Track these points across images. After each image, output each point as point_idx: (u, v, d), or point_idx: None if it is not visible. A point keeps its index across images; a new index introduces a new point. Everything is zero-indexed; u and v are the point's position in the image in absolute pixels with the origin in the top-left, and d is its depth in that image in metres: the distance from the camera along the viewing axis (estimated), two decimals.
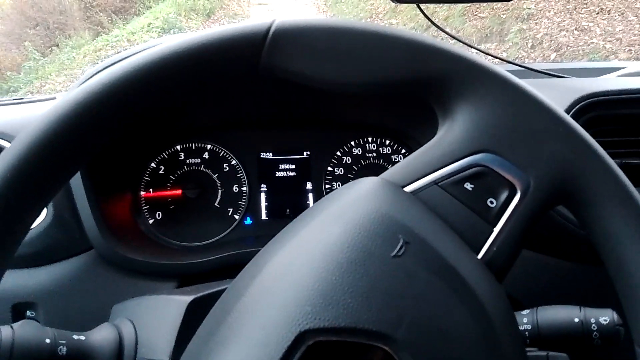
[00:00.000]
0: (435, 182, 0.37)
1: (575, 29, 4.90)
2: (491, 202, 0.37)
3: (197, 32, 0.38)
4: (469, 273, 0.34)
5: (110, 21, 7.15)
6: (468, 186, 0.37)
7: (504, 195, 0.37)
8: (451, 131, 0.38)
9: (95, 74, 0.67)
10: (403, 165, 0.38)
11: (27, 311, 0.62)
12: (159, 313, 0.50)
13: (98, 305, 0.61)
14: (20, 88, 5.04)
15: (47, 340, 0.45)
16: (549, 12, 5.25)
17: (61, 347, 0.45)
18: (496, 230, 0.36)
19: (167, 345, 0.47)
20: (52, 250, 0.62)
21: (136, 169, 0.74)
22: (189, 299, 0.49)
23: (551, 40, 4.79)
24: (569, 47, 4.63)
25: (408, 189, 0.37)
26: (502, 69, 0.37)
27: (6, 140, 0.62)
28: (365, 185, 0.37)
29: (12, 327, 0.45)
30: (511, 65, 0.84)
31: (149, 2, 7.87)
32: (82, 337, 0.48)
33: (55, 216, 0.61)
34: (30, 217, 0.34)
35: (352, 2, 8.11)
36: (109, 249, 0.61)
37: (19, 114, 0.67)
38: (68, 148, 0.34)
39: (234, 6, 8.73)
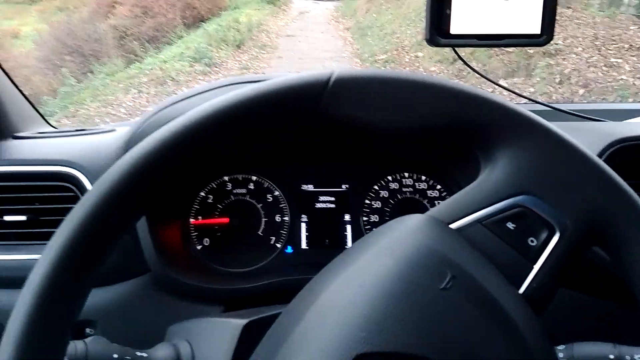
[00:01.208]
0: (479, 221, 0.40)
1: (604, 65, 4.89)
2: (532, 241, 0.40)
3: (264, 83, 0.42)
4: (511, 307, 0.37)
5: (143, 49, 7.36)
6: (510, 225, 0.40)
7: (543, 235, 0.40)
8: (493, 174, 0.42)
9: (168, 105, 0.72)
10: (449, 203, 0.42)
11: (87, 329, 0.67)
12: (215, 335, 0.53)
13: (151, 325, 0.65)
14: (56, 112, 5.19)
15: (115, 356, 0.49)
16: (577, 47, 5.25)
17: None
18: (536, 267, 0.39)
19: None
20: (112, 272, 0.67)
21: (187, 198, 0.79)
22: (244, 322, 0.52)
23: (579, 76, 4.78)
24: (597, 83, 4.61)
25: (453, 226, 0.40)
26: (541, 118, 0.41)
27: (78, 170, 0.68)
28: (414, 221, 0.40)
29: (84, 342, 0.49)
30: (539, 105, 0.87)
31: (181, 32, 8.13)
32: (145, 355, 0.51)
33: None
34: (114, 244, 0.38)
35: (379, 35, 8.23)
36: (164, 271, 0.66)
37: (84, 145, 0.73)
38: (145, 188, 0.38)
39: (263, 37, 8.95)
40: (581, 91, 4.56)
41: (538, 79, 4.95)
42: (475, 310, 0.36)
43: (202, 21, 8.92)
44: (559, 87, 4.73)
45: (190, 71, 6.54)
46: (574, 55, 5.13)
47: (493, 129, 0.41)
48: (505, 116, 0.41)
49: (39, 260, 0.34)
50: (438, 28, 0.69)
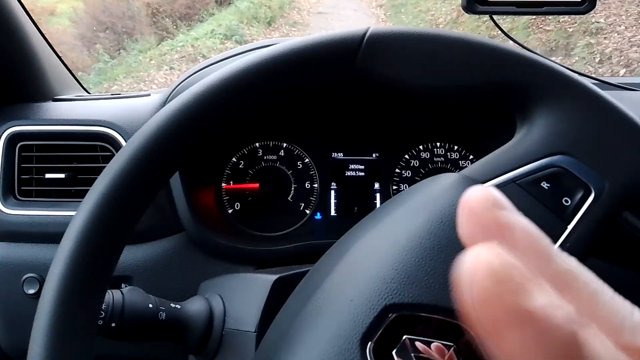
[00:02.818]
0: (513, 180, 0.40)
1: None
2: (566, 201, 0.39)
3: (299, 38, 0.42)
4: None
5: (175, 27, 7.40)
6: (544, 185, 0.40)
7: (578, 196, 0.39)
8: (530, 134, 0.41)
9: (201, 69, 0.73)
10: (483, 163, 0.41)
11: (122, 284, 0.69)
12: (246, 289, 0.55)
13: (185, 281, 0.67)
14: (90, 88, 5.29)
15: (150, 305, 0.51)
16: (620, 26, 5.04)
17: (161, 312, 0.51)
18: (570, 227, 0.39)
19: (253, 317, 0.51)
20: (148, 231, 0.69)
21: (220, 163, 0.80)
22: (274, 277, 0.53)
23: (621, 56, 4.59)
24: (639, 63, 4.43)
25: (487, 185, 0.40)
26: (581, 78, 0.40)
27: (115, 130, 0.70)
28: (448, 180, 0.40)
29: (122, 292, 0.51)
30: (585, 78, 0.84)
31: (212, 10, 8.12)
32: (178, 306, 0.53)
33: (154, 202, 0.68)
34: (149, 198, 0.39)
35: (413, 13, 8.07)
36: (198, 231, 0.68)
37: (120, 107, 0.75)
38: (179, 143, 0.38)
39: (294, 15, 8.88)
40: (622, 71, 4.39)
41: (577, 58, 4.79)
42: None
43: None
44: (599, 67, 4.57)
45: (222, 48, 6.55)
46: (615, 34, 4.92)
47: (531, 88, 0.41)
48: (544, 75, 0.40)
49: (76, 213, 0.35)
50: None
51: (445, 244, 0.36)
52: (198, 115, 0.39)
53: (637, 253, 0.50)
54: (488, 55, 0.40)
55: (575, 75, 0.40)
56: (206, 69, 0.73)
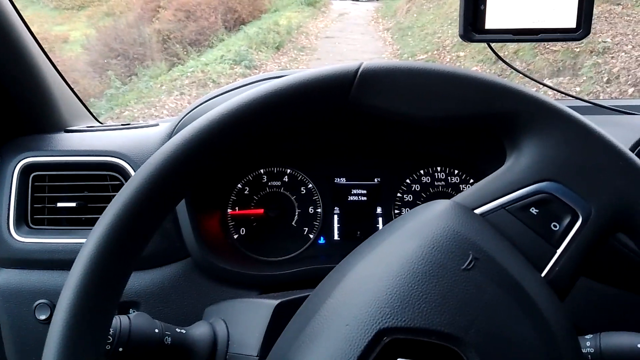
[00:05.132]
0: (502, 207, 0.41)
1: None
2: (554, 226, 0.40)
3: (296, 74, 0.44)
4: (533, 289, 0.37)
5: (185, 52, 7.53)
6: (533, 211, 0.41)
7: (566, 220, 0.40)
8: (518, 161, 0.42)
9: (208, 100, 0.76)
10: (473, 190, 0.43)
11: (130, 309, 0.71)
12: (248, 314, 0.56)
13: (190, 306, 0.68)
14: (102, 114, 5.32)
15: (156, 330, 0.52)
16: (627, 45, 5.05)
17: (167, 337, 0.52)
18: (558, 251, 0.40)
19: (256, 342, 0.53)
20: (155, 257, 0.71)
21: (225, 190, 0.82)
22: (276, 302, 0.55)
23: (629, 75, 4.59)
24: None
25: (478, 211, 0.41)
26: (565, 107, 0.42)
27: (124, 160, 0.72)
28: (439, 207, 0.42)
29: (129, 317, 0.52)
30: (579, 101, 0.86)
31: (222, 35, 8.27)
32: (184, 331, 0.54)
33: (161, 228, 0.70)
34: (155, 227, 0.41)
35: (420, 35, 8.14)
36: (203, 257, 0.69)
37: (129, 138, 0.78)
38: (185, 173, 0.40)
39: (303, 39, 9.01)
40: (630, 90, 4.38)
41: (585, 78, 4.79)
42: (497, 290, 0.36)
43: (243, 24, 9.05)
44: (607, 86, 4.56)
45: (231, 73, 6.65)
46: (623, 54, 4.93)
47: (519, 117, 0.42)
48: (530, 105, 0.42)
49: (86, 241, 0.37)
50: (472, 23, 0.69)
51: (436, 269, 0.37)
52: (201, 148, 0.40)
53: (630, 273, 0.51)
54: (475, 87, 0.42)
55: (559, 103, 0.42)
56: (214, 99, 0.75)
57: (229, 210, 0.82)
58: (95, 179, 0.75)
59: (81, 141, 0.78)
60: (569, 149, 0.41)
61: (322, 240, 0.82)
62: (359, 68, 0.43)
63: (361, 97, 0.43)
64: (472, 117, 0.43)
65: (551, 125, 0.41)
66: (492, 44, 0.83)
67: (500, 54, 0.85)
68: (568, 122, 0.41)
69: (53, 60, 0.89)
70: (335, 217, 0.83)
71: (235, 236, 0.81)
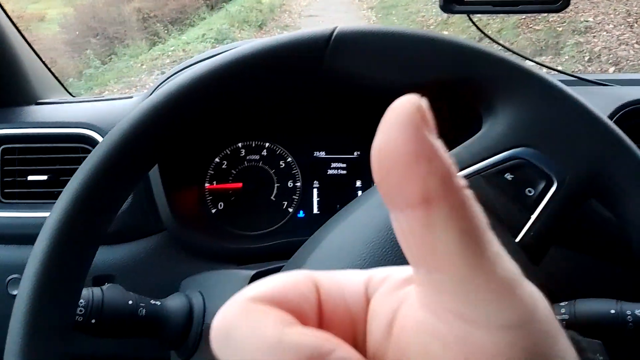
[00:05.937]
0: (478, 172, 0.41)
1: (636, 42, 4.73)
2: (529, 192, 0.40)
3: (270, 38, 0.43)
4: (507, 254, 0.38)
5: (166, 31, 7.38)
6: (508, 177, 0.41)
7: (541, 186, 0.40)
8: (494, 127, 0.42)
9: (176, 72, 0.74)
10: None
11: (106, 283, 0.70)
12: (225, 285, 0.56)
13: (167, 279, 0.67)
14: (81, 94, 5.27)
15: (130, 302, 0.51)
16: (608, 24, 5.08)
17: (141, 309, 0.52)
18: (533, 217, 0.40)
19: None
20: (130, 230, 0.70)
21: (202, 164, 0.81)
22: (252, 272, 0.54)
23: (610, 54, 4.64)
24: (628, 61, 4.47)
25: None
26: (541, 71, 0.41)
27: (94, 131, 0.70)
28: None
29: (101, 289, 0.52)
30: (563, 75, 0.86)
31: (203, 14, 8.12)
32: (158, 303, 0.54)
33: (134, 201, 0.69)
34: (122, 197, 0.40)
35: (403, 14, 8.10)
36: (179, 231, 0.68)
37: (102, 109, 0.76)
38: (154, 139, 0.39)
39: (285, 18, 8.89)
40: (611, 69, 4.43)
41: (567, 57, 4.82)
42: None
43: (225, 2, 8.90)
44: (589, 65, 4.60)
45: None
46: (604, 33, 4.97)
47: (494, 83, 0.42)
48: (506, 70, 0.41)
49: (50, 213, 0.36)
50: None
51: None
52: (169, 113, 0.39)
53: (604, 241, 0.51)
54: (450, 51, 0.41)
55: (535, 69, 0.41)
56: (185, 70, 0.74)
57: (206, 185, 0.81)
58: (66, 152, 0.73)
59: (52, 113, 0.76)
60: (545, 114, 0.41)
61: (301, 214, 0.82)
62: (333, 31, 0.42)
63: (335, 61, 0.42)
64: (448, 82, 0.42)
65: (527, 90, 0.41)
66: (476, 22, 0.83)
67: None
68: (544, 87, 0.41)
69: (27, 37, 0.87)
70: (315, 190, 0.83)
71: (213, 210, 0.81)
